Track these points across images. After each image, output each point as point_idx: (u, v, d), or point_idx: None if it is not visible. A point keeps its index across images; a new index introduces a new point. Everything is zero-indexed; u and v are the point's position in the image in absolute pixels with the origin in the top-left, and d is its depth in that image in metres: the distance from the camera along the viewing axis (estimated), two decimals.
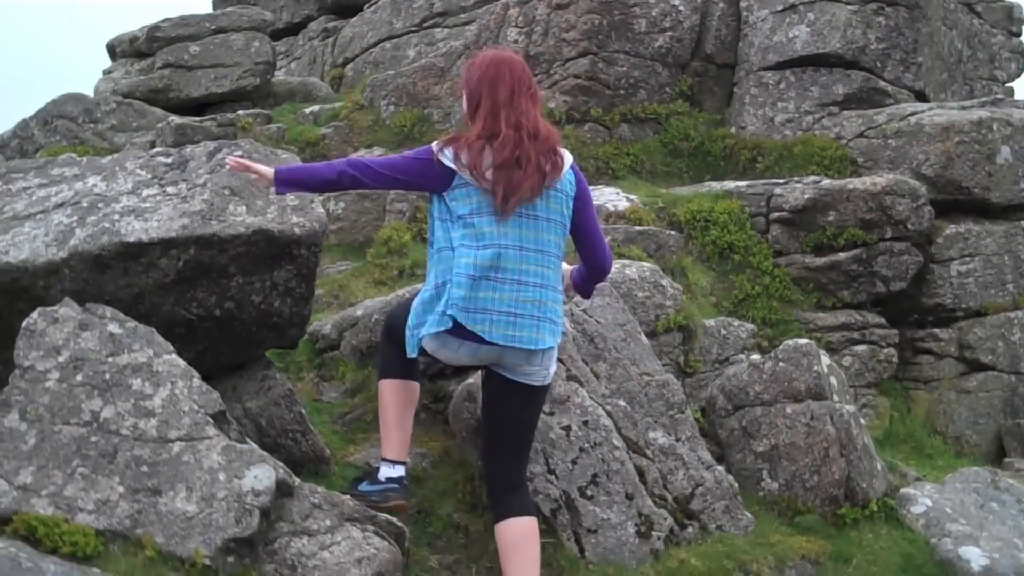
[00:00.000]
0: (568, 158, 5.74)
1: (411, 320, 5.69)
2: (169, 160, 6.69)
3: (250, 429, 6.50)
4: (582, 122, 12.73)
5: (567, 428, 6.68)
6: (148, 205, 6.21)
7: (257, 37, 17.25)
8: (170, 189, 6.37)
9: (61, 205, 6.33)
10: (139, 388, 5.36)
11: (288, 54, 21.80)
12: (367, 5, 19.40)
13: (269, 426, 6.63)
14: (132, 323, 5.65)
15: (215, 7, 23.99)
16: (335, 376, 8.29)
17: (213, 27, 17.25)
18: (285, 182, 5.66)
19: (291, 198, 6.38)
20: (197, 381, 5.50)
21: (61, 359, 5.39)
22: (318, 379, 8.40)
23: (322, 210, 6.56)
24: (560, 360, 6.69)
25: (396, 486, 6.02)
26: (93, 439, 5.14)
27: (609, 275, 6.36)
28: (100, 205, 6.26)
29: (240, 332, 6.54)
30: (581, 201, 5.76)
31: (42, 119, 15.78)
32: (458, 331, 5.45)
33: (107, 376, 5.37)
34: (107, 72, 18.66)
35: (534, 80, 5.94)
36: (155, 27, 17.49)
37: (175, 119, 14.11)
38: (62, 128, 15.45)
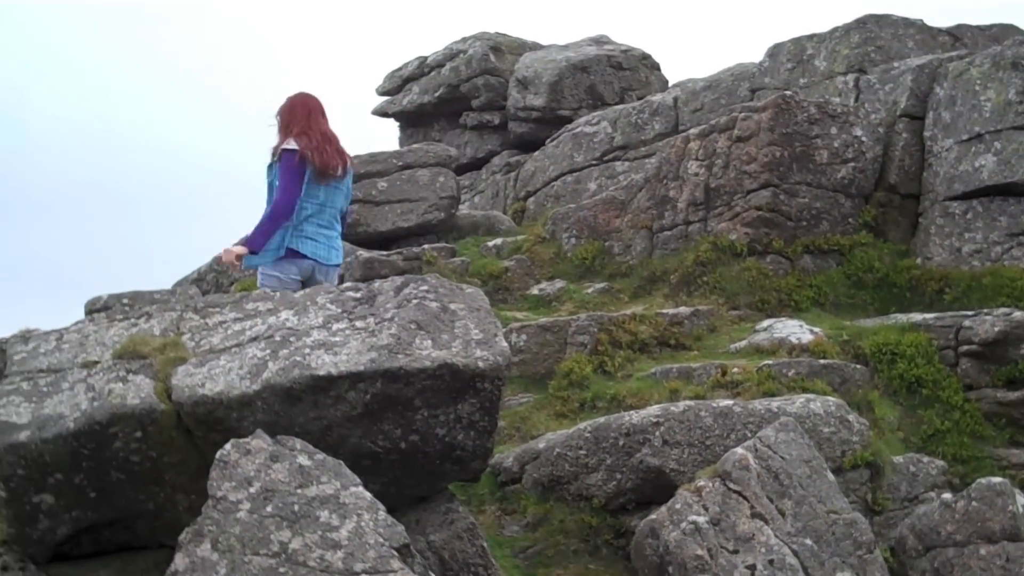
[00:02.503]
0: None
1: None
2: (358, 295, 6.86)
3: (433, 562, 6.52)
4: (763, 254, 12.63)
5: (752, 567, 6.55)
6: (338, 339, 6.38)
7: (442, 172, 17.63)
8: (359, 323, 6.53)
9: (255, 339, 6.55)
10: (327, 520, 5.44)
11: (472, 188, 22.23)
12: (549, 140, 19.71)
13: (452, 560, 6.64)
14: (320, 455, 5.76)
15: (402, 144, 24.69)
16: (517, 510, 8.30)
17: (400, 163, 17.69)
18: (256, 246, 8.21)
19: (475, 332, 6.48)
20: (383, 514, 5.56)
21: (252, 490, 5.52)
22: (500, 512, 8.42)
23: (505, 344, 6.63)
24: (744, 496, 6.59)
25: None
26: (282, 570, 5.22)
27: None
28: (292, 339, 6.45)
29: (424, 465, 6.61)
30: None
31: None
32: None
33: (296, 507, 5.47)
34: None
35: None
36: None
37: (363, 253, 14.45)
38: None
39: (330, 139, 8.48)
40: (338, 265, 8.77)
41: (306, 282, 8.34)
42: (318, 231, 8.48)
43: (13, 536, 6.82)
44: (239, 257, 8.36)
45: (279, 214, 8.22)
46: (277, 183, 8.36)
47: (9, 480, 6.49)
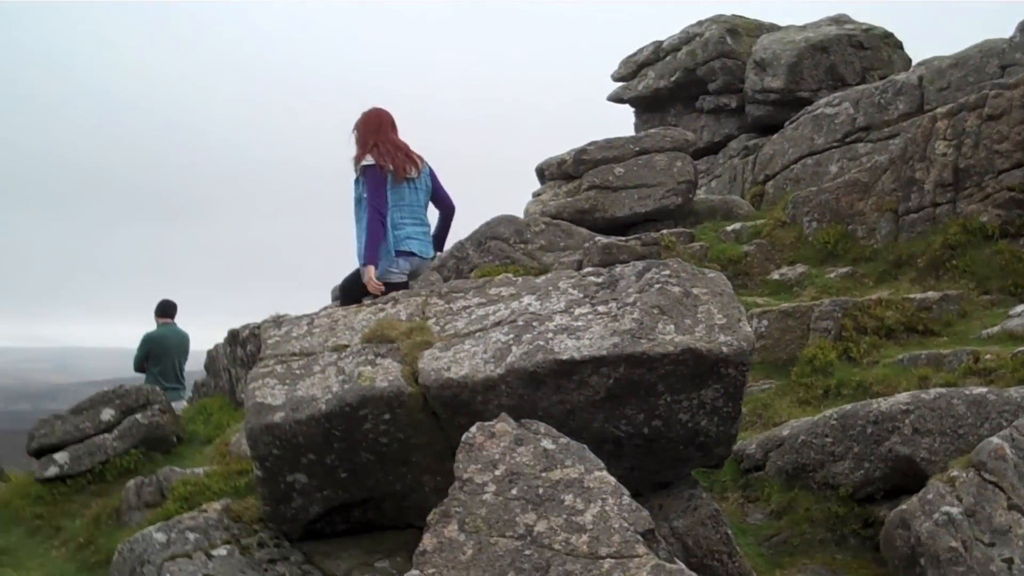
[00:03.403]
0: None
1: None
2: (600, 280, 6.87)
3: (677, 548, 6.48)
4: (1017, 236, 12.11)
5: (1009, 561, 6.27)
6: (580, 324, 6.40)
7: (679, 157, 17.54)
8: (601, 308, 6.53)
9: (499, 323, 6.63)
10: (571, 504, 5.45)
11: (709, 172, 22.04)
12: (788, 122, 19.37)
13: (695, 546, 6.59)
14: (564, 439, 5.79)
15: (637, 129, 24.67)
16: (760, 497, 8.19)
17: (637, 148, 17.67)
18: (374, 260, 9.02)
19: (719, 317, 6.41)
20: (627, 499, 5.54)
21: (498, 472, 5.58)
22: (743, 500, 8.32)
23: (750, 329, 6.53)
24: (1000, 487, 6.34)
25: None
26: (527, 552, 5.26)
27: None
28: (535, 323, 6.50)
29: (667, 450, 6.58)
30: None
31: (476, 240, 16.59)
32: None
33: (540, 491, 5.51)
34: (536, 194, 19.42)
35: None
36: (582, 150, 18.10)
37: (601, 239, 14.49)
38: (495, 248, 16.18)
39: (400, 147, 9.41)
40: (433, 258, 9.81)
41: (411, 275, 9.47)
42: (415, 230, 9.42)
43: (268, 514, 7.09)
44: (373, 278, 9.07)
45: (375, 227, 9.10)
46: (364, 196, 9.23)
47: (265, 460, 6.74)
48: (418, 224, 9.49)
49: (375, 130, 9.47)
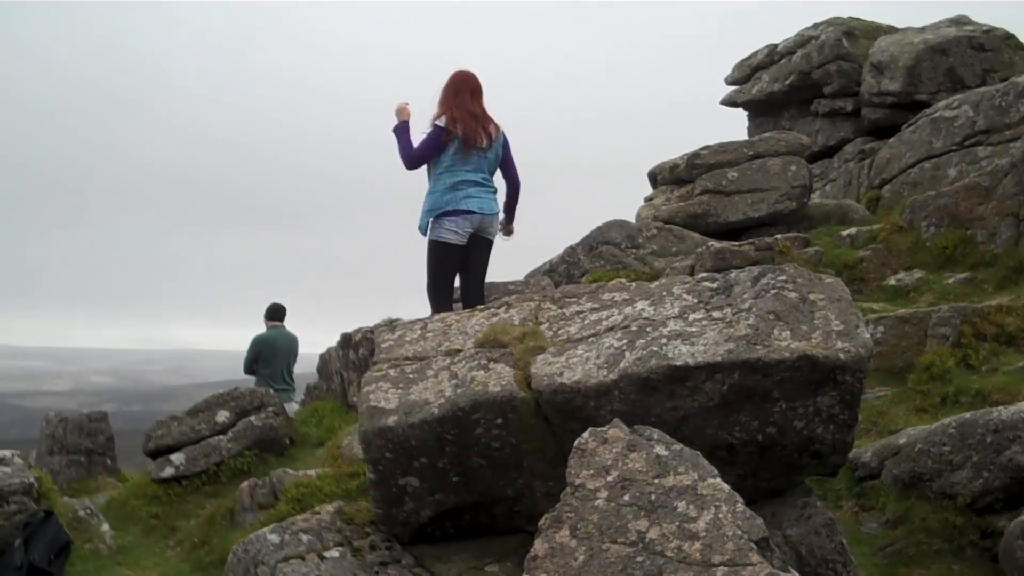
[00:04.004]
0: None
1: None
2: (715, 285, 6.80)
3: (790, 557, 6.38)
4: None
5: None
6: (694, 329, 6.33)
7: (794, 161, 17.36)
8: (715, 314, 6.46)
9: (612, 328, 6.59)
10: (684, 511, 5.39)
11: (823, 176, 21.77)
12: (905, 125, 19.04)
13: (809, 555, 6.48)
14: (678, 445, 5.73)
15: (751, 133, 24.46)
16: (875, 506, 8.04)
17: (751, 152, 17.53)
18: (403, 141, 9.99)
19: (836, 323, 6.30)
20: (741, 506, 5.47)
21: (610, 478, 5.54)
22: (857, 508, 8.18)
23: (868, 335, 6.41)
24: None
25: None
26: (639, 559, 5.21)
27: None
28: (648, 329, 6.45)
29: (781, 458, 6.49)
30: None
31: (588, 245, 16.58)
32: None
33: (653, 497, 5.45)
34: (648, 199, 19.36)
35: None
36: (695, 155, 18.00)
37: (714, 244, 14.39)
38: (606, 253, 16.15)
39: (476, 116, 9.94)
40: (496, 213, 10.24)
41: (476, 231, 10.06)
42: (477, 190, 9.98)
43: (380, 516, 7.13)
44: (403, 113, 10.16)
45: (407, 155, 9.96)
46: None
47: (378, 463, 6.78)
48: (479, 185, 10.00)
49: (454, 93, 10.02)
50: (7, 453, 10.38)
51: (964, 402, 9.50)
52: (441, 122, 9.89)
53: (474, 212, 9.92)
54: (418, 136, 10.13)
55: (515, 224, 10.63)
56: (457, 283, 10.42)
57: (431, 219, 10.04)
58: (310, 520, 7.32)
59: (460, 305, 10.22)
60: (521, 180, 10.47)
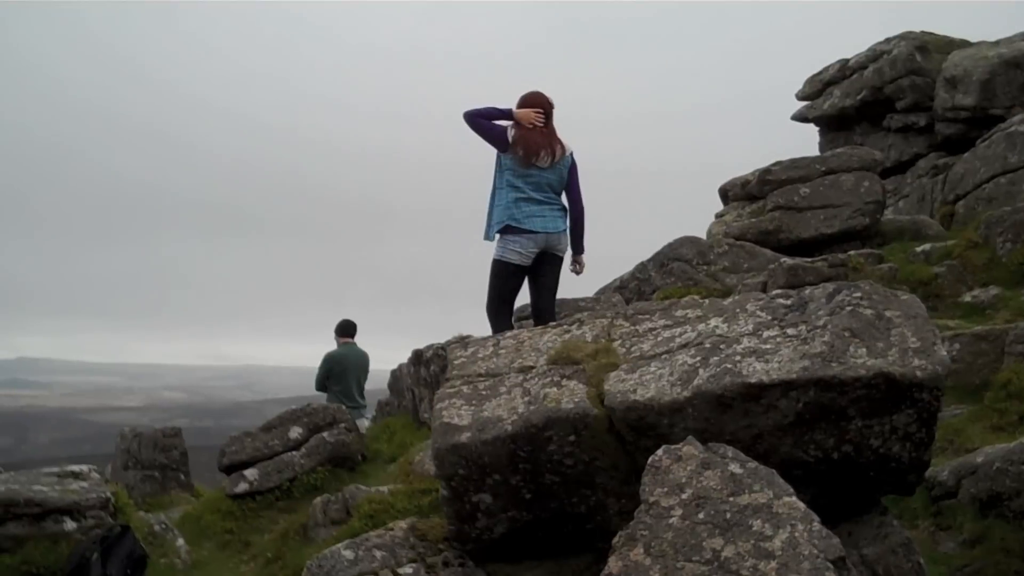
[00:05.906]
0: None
1: None
2: (788, 302, 6.76)
3: None
4: None
5: None
6: (769, 346, 6.29)
7: (867, 177, 17.23)
8: (790, 331, 6.42)
9: (685, 346, 6.57)
10: (759, 529, 5.35)
11: (896, 192, 21.58)
12: (980, 140, 18.84)
13: (886, 575, 6.41)
14: (752, 463, 5.69)
15: (822, 149, 24.30)
16: (952, 525, 7.95)
17: (823, 168, 17.42)
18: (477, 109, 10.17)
19: (912, 340, 6.23)
20: (817, 525, 5.42)
21: (684, 496, 5.51)
22: (934, 528, 8.09)
23: (945, 353, 6.33)
24: None
25: None
26: None
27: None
28: (722, 346, 6.42)
29: (856, 476, 6.42)
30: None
31: (659, 261, 16.55)
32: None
33: (728, 515, 5.42)
34: (719, 215, 19.29)
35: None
36: (766, 171, 17.92)
37: (787, 260, 14.30)
38: (677, 270, 16.11)
39: (541, 133, 10.07)
40: (564, 231, 10.26)
41: (543, 250, 10.09)
42: (541, 208, 10.06)
43: (453, 533, 7.14)
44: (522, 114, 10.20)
45: (474, 110, 10.12)
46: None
47: (451, 479, 6.80)
48: (542, 204, 10.09)
49: (523, 109, 10.19)
50: (84, 468, 10.53)
51: None
52: (511, 133, 10.07)
53: (538, 232, 10.00)
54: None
55: (584, 256, 10.48)
56: (525, 300, 10.43)
57: (497, 234, 10.12)
58: (384, 536, 7.36)
59: (531, 322, 10.20)
60: (585, 206, 10.43)
